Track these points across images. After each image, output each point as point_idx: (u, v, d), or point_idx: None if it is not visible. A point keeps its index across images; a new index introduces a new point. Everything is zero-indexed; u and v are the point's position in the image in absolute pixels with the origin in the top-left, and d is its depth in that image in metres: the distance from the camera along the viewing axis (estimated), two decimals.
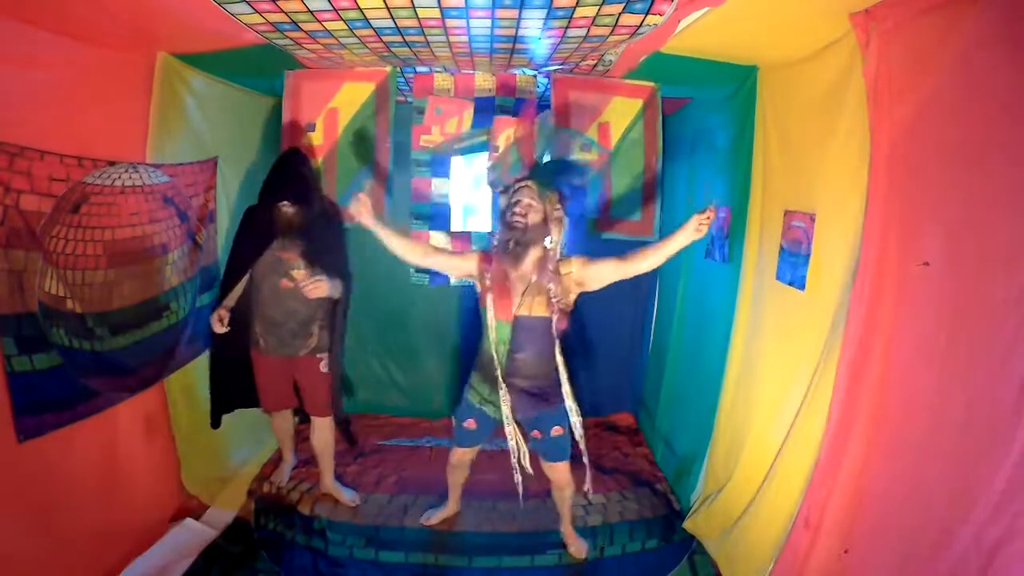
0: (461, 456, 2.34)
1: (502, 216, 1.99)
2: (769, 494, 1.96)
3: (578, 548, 2.37)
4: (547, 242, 1.95)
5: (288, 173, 2.29)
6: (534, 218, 1.93)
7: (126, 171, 2.00)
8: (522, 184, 1.98)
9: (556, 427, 2.10)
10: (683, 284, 2.96)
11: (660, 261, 1.83)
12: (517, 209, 1.93)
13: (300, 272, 2.30)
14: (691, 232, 1.72)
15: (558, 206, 1.99)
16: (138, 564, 2.10)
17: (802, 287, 1.90)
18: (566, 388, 2.03)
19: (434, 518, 2.51)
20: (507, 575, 2.29)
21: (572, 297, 1.99)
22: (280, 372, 2.46)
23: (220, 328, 2.25)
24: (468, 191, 2.99)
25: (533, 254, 1.95)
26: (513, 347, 1.99)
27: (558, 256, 1.97)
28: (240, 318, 2.35)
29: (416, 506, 2.62)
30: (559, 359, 2.01)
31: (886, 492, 1.44)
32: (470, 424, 2.20)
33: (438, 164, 2.66)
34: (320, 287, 2.20)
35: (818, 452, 1.69)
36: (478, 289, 2.06)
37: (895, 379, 1.46)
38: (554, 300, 1.93)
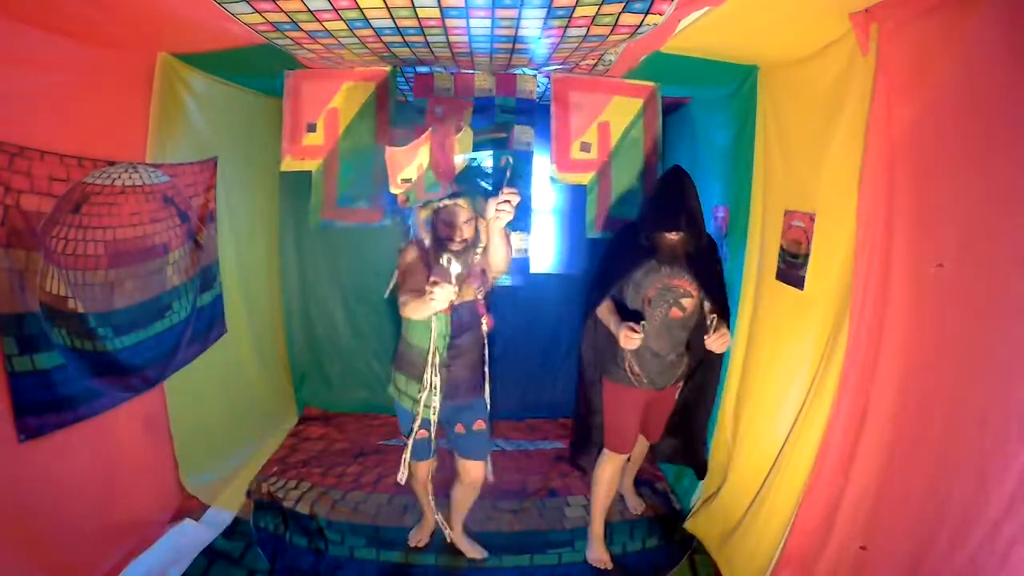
0: (426, 469, 2.21)
1: (433, 232, 1.95)
2: (770, 494, 1.96)
3: (474, 551, 2.35)
4: (478, 248, 1.94)
5: (680, 200, 2.03)
6: (470, 233, 1.94)
7: (126, 171, 2.00)
8: (450, 203, 1.92)
9: (479, 420, 2.08)
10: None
11: (500, 258, 1.84)
12: (455, 234, 1.90)
13: (691, 300, 2.10)
14: (493, 223, 1.70)
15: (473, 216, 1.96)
16: (138, 564, 2.09)
17: (801, 287, 1.90)
18: (486, 379, 2.07)
19: (423, 538, 2.41)
20: (507, 575, 2.29)
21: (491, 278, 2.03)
22: (637, 407, 2.23)
23: (634, 343, 1.97)
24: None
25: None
26: (453, 333, 1.97)
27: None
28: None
29: (416, 506, 2.62)
30: (485, 342, 2.04)
31: (904, 491, 1.44)
32: (423, 434, 2.06)
33: None
34: (725, 339, 1.97)
35: (819, 451, 1.69)
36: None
37: (912, 379, 1.46)
38: (477, 288, 1.96)
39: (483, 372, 2.08)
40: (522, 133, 2.64)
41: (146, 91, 2.13)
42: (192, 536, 2.31)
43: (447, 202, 1.93)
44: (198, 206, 2.44)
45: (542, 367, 3.71)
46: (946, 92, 1.36)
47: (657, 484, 2.85)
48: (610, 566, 2.29)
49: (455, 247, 1.90)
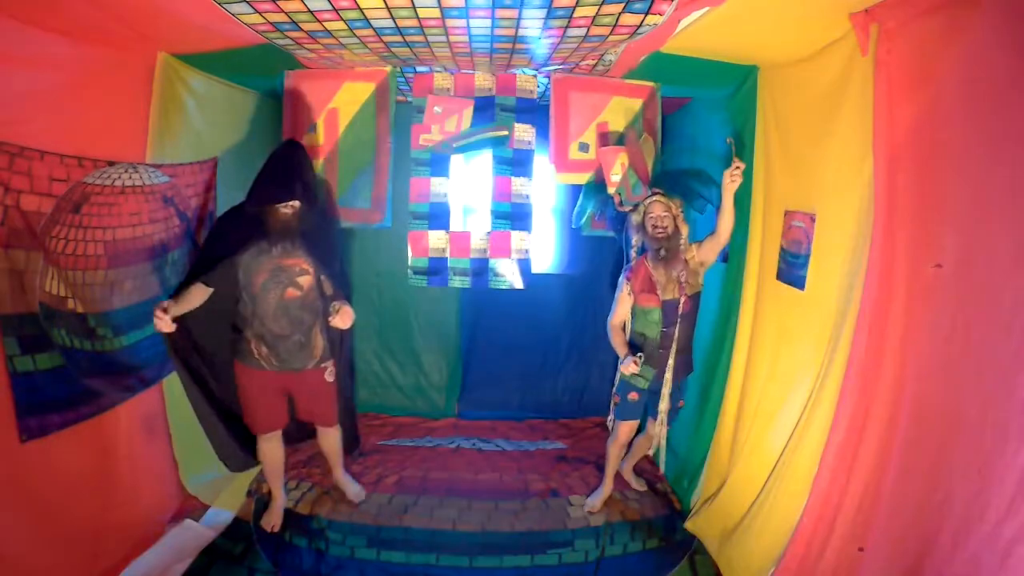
0: (628, 430, 2.50)
1: (642, 230, 2.33)
2: (771, 494, 1.96)
3: (639, 482, 2.79)
4: (681, 241, 2.28)
5: (289, 169, 2.04)
6: (671, 225, 2.26)
7: (126, 171, 2.00)
8: (653, 200, 2.29)
9: (681, 400, 2.48)
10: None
11: (731, 216, 2.17)
12: (658, 223, 2.26)
13: (307, 279, 2.13)
14: (729, 187, 2.09)
15: (680, 210, 2.30)
16: (138, 564, 2.09)
17: (802, 287, 1.90)
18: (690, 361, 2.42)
19: (597, 502, 2.64)
20: (507, 575, 2.29)
21: (700, 278, 2.34)
22: (276, 388, 2.26)
23: (168, 327, 1.85)
24: (467, 191, 2.98)
25: (675, 253, 2.27)
26: (665, 323, 2.30)
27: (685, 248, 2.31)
28: (210, 335, 2.14)
29: (416, 506, 2.62)
30: (691, 336, 2.36)
31: (903, 493, 1.44)
32: (633, 396, 2.40)
33: (437, 163, 2.66)
34: (349, 315, 2.03)
35: (823, 453, 1.69)
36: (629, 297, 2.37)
37: (910, 380, 1.46)
38: (684, 284, 2.26)
39: (691, 355, 2.42)
40: (522, 133, 2.64)
41: (146, 91, 2.13)
42: (192, 536, 2.31)
43: (652, 199, 2.29)
44: (198, 206, 2.44)
45: (542, 367, 3.71)
46: (946, 92, 1.36)
47: (657, 484, 2.85)
48: None
49: (660, 237, 2.24)
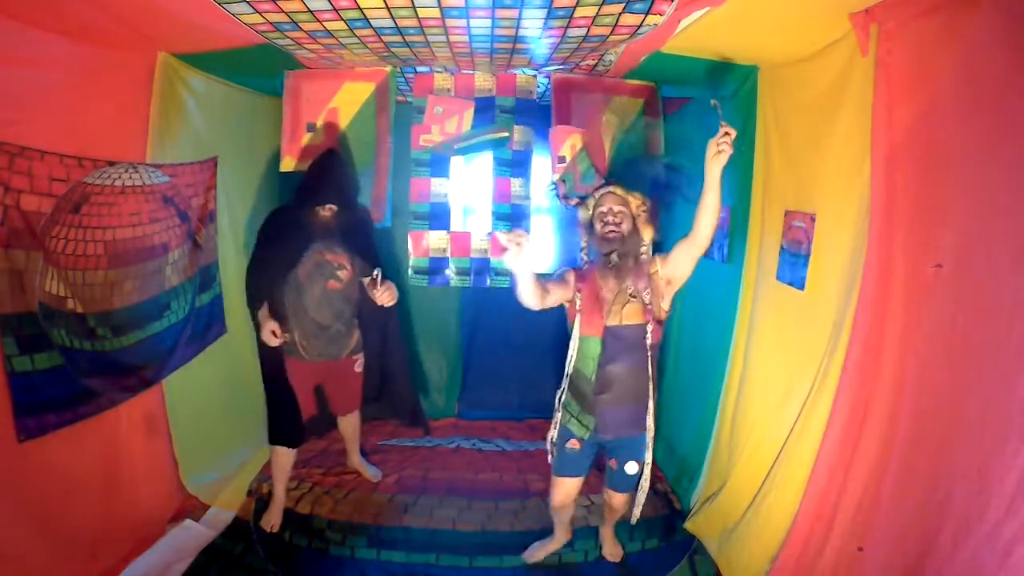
0: (567, 489, 2.04)
1: (589, 229, 1.89)
2: (770, 495, 1.96)
3: (614, 553, 2.33)
4: (642, 248, 1.86)
5: (331, 175, 2.28)
6: (626, 225, 1.85)
7: (126, 171, 2.00)
8: (605, 191, 1.88)
9: (631, 463, 1.95)
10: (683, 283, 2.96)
11: (715, 209, 1.68)
12: (609, 219, 1.83)
13: (345, 273, 2.35)
14: (714, 160, 1.58)
15: (644, 207, 1.89)
16: (138, 564, 2.09)
17: (802, 287, 1.90)
18: (651, 419, 1.88)
19: (539, 552, 2.28)
20: (507, 575, 2.29)
21: (667, 301, 1.87)
22: (311, 378, 2.45)
23: (276, 341, 2.22)
24: (467, 190, 2.98)
25: (631, 262, 1.84)
26: (604, 360, 1.85)
27: (649, 259, 1.87)
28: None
29: (416, 506, 2.62)
30: (651, 377, 1.86)
31: (903, 492, 1.44)
32: (574, 445, 1.96)
33: (437, 164, 2.66)
34: (393, 292, 2.22)
35: (819, 451, 1.69)
36: (568, 308, 1.94)
37: (910, 380, 1.46)
38: (649, 307, 1.82)
39: (645, 407, 1.88)
40: (522, 135, 2.65)
41: (146, 91, 2.13)
42: (192, 536, 2.31)
43: (605, 190, 1.87)
44: (198, 206, 2.44)
45: (542, 367, 3.70)
46: (946, 92, 1.36)
47: (657, 484, 2.85)
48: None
49: (611, 237, 1.81)
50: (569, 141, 2.09)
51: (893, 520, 1.47)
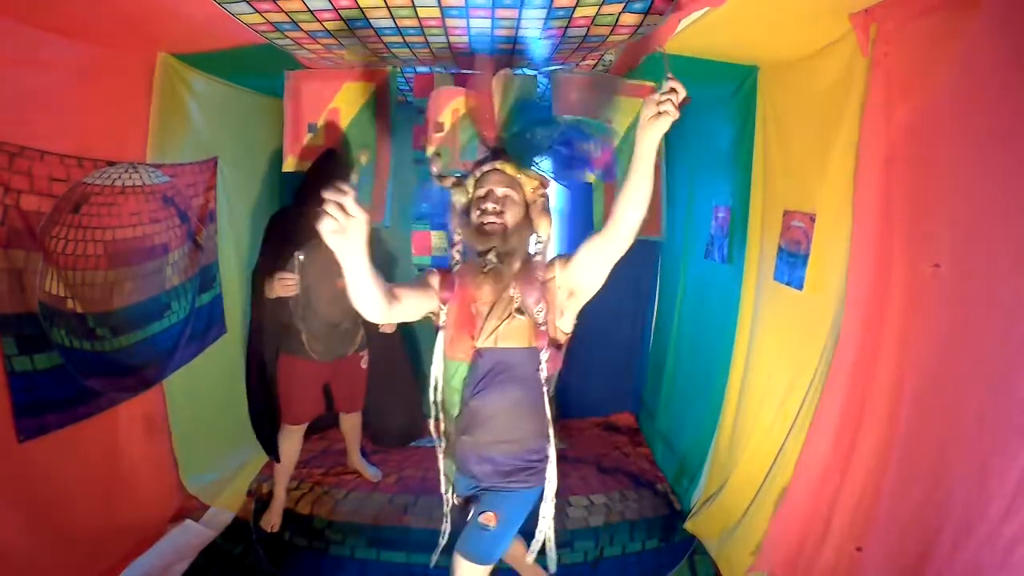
0: None
1: (463, 219, 1.43)
2: (770, 495, 1.96)
3: None
4: (534, 245, 1.42)
5: (332, 175, 2.27)
6: (514, 215, 1.39)
7: (126, 171, 2.00)
8: (487, 169, 1.42)
9: (488, 513, 1.48)
10: (683, 284, 2.96)
11: (644, 191, 1.21)
12: (489, 207, 1.37)
13: None
14: (652, 124, 1.16)
15: (543, 192, 1.44)
16: (138, 564, 2.09)
17: (800, 287, 1.90)
18: (552, 469, 1.46)
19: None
20: (507, 575, 2.28)
21: (569, 318, 1.42)
22: (318, 377, 2.49)
23: (292, 284, 2.22)
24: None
25: (516, 265, 1.40)
26: (472, 391, 1.41)
27: (545, 262, 1.42)
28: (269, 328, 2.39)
29: (416, 506, 2.62)
30: (548, 419, 1.41)
31: (902, 492, 1.44)
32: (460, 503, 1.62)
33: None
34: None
35: (802, 449, 1.70)
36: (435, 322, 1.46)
37: (909, 379, 1.46)
38: (542, 327, 1.36)
39: (541, 455, 1.47)
40: None
41: (146, 91, 2.13)
42: (192, 536, 2.31)
43: (488, 167, 1.42)
44: (198, 206, 2.44)
45: None
46: (945, 92, 1.36)
47: (658, 485, 2.85)
48: None
49: (491, 230, 1.37)
50: (451, 104, 1.69)
51: (893, 520, 1.47)
